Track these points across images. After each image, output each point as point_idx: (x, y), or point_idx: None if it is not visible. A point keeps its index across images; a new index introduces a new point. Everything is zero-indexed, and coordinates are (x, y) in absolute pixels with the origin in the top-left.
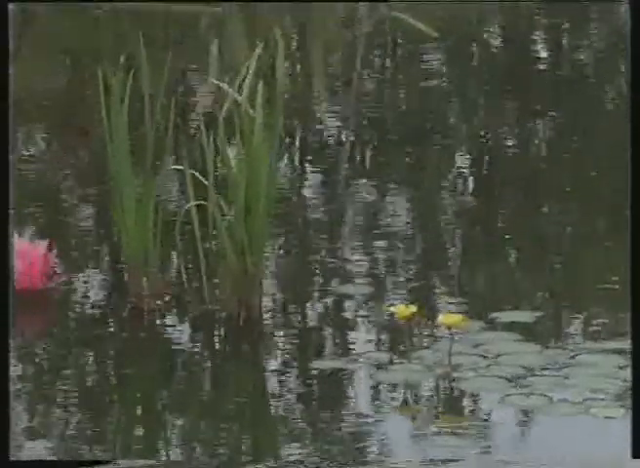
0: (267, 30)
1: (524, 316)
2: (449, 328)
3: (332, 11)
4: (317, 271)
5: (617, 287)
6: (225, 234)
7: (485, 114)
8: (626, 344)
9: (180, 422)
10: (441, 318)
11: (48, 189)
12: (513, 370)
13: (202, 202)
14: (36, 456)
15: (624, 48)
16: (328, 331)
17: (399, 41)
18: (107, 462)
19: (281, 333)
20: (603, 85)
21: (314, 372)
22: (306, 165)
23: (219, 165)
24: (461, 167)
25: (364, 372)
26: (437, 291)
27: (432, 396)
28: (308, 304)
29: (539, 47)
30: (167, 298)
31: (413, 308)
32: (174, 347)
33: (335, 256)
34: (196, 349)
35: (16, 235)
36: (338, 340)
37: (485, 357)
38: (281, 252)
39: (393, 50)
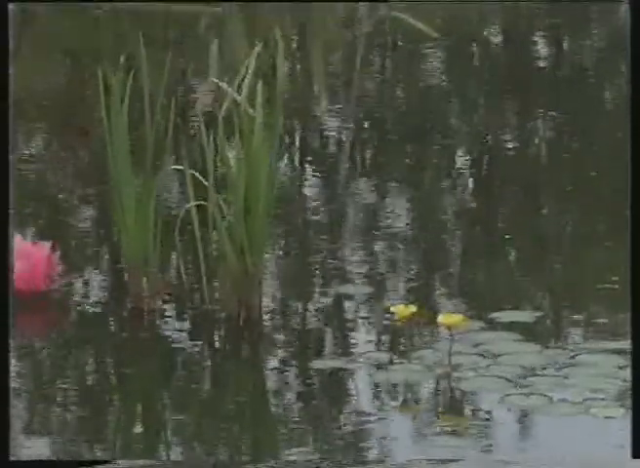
0: (267, 30)
1: (524, 316)
2: (449, 328)
3: (332, 11)
4: (317, 271)
5: (617, 287)
6: (225, 234)
7: (485, 114)
8: (626, 344)
9: (179, 422)
10: (441, 318)
11: (48, 189)
12: (513, 370)
13: (202, 202)
14: (36, 456)
15: (624, 48)
16: (328, 331)
17: (399, 41)
18: (107, 462)
19: (281, 333)
20: (603, 85)
21: (314, 372)
22: (306, 165)
23: (218, 165)
24: (461, 167)
25: (364, 372)
26: (437, 291)
27: (432, 396)
28: (308, 304)
29: (539, 47)
30: (167, 298)
31: (413, 308)
32: (174, 347)
33: (335, 256)
34: (196, 349)
35: (19, 236)
36: (337, 340)
37: (485, 357)
38: (281, 252)
39: (393, 50)
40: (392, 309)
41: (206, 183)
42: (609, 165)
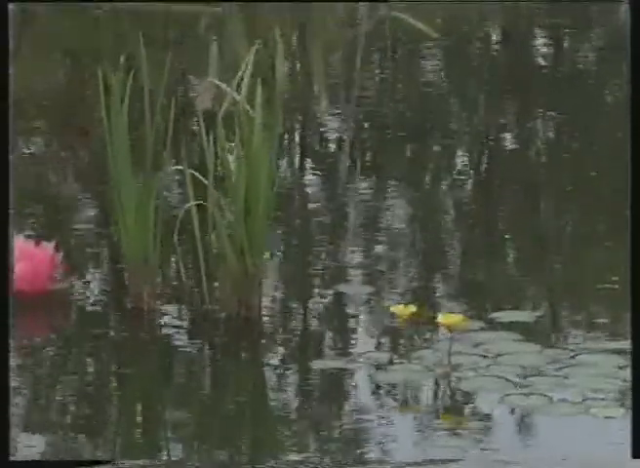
0: (267, 30)
1: (524, 316)
2: (449, 328)
3: (332, 11)
4: (317, 271)
5: (617, 287)
6: (225, 234)
7: (485, 114)
8: (626, 344)
9: (179, 422)
10: (441, 318)
11: (48, 189)
12: (513, 370)
13: (202, 202)
14: (36, 456)
15: (624, 48)
16: (328, 332)
17: (399, 41)
18: (107, 462)
19: (281, 333)
20: (603, 85)
21: (314, 372)
22: (306, 165)
23: (218, 165)
24: (461, 167)
25: (364, 372)
26: (437, 291)
27: (432, 396)
28: (308, 304)
29: (539, 47)
30: (167, 298)
31: (413, 308)
32: (173, 347)
33: (335, 256)
34: (196, 349)
35: (22, 237)
36: (338, 340)
37: (485, 357)
38: (280, 253)
39: (393, 50)
40: (392, 309)
41: (206, 182)
42: (609, 165)
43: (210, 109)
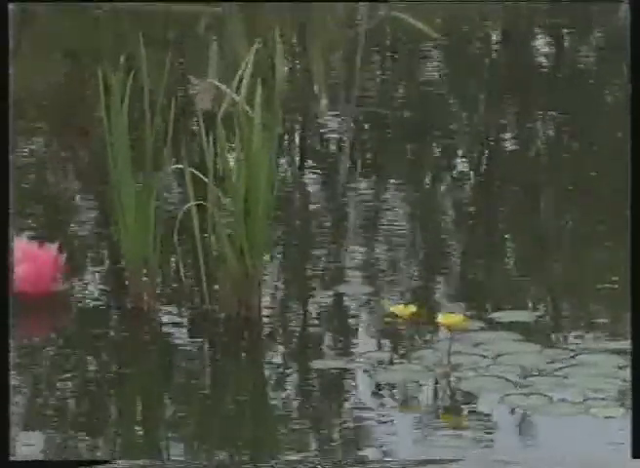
0: (267, 30)
1: (524, 316)
2: (449, 328)
3: (332, 11)
4: (317, 271)
5: (617, 287)
6: (225, 234)
7: (485, 114)
8: (626, 344)
9: (179, 422)
10: (441, 318)
11: (47, 189)
12: (513, 370)
13: (202, 202)
14: (36, 456)
15: (624, 48)
16: (328, 331)
17: (399, 41)
18: (107, 462)
19: (281, 333)
20: (603, 85)
21: (314, 372)
22: (306, 165)
23: (218, 165)
24: (461, 166)
25: (364, 372)
26: (437, 291)
27: (432, 396)
28: (308, 304)
29: (539, 47)
30: (167, 298)
31: (413, 308)
32: (173, 346)
33: (335, 256)
34: (196, 349)
35: (25, 238)
36: (338, 340)
37: (485, 357)
38: (280, 254)
39: (393, 50)
40: (392, 309)
41: (206, 180)
42: (609, 165)
43: (210, 109)
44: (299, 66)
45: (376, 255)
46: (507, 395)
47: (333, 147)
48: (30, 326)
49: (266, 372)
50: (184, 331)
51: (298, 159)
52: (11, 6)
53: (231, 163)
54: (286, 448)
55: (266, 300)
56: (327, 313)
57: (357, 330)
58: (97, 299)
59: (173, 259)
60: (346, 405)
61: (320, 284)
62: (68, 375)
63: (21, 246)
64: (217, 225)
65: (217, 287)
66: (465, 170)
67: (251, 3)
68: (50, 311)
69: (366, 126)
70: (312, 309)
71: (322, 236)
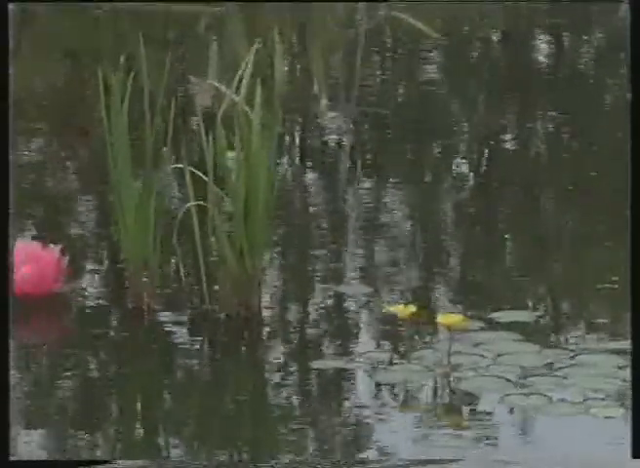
0: (267, 30)
1: (524, 316)
2: (448, 328)
3: (332, 11)
4: (317, 271)
5: (617, 287)
6: (225, 234)
7: (485, 114)
8: (626, 344)
9: (180, 422)
10: (441, 318)
11: (47, 190)
12: (513, 370)
13: (202, 203)
14: (36, 456)
15: (624, 48)
16: (328, 331)
17: (399, 41)
18: (107, 462)
19: (281, 333)
20: (603, 85)
21: (314, 372)
22: (306, 165)
23: (218, 165)
24: (461, 166)
25: (364, 372)
26: (437, 291)
27: (432, 396)
28: (308, 304)
29: (539, 47)
30: (167, 298)
31: (412, 308)
32: (173, 346)
33: (335, 256)
34: (196, 349)
35: (28, 239)
36: (337, 340)
37: (485, 357)
38: (280, 254)
39: (393, 50)
40: (392, 309)
41: (206, 179)
42: (609, 165)
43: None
44: (299, 66)
45: (376, 256)
46: (507, 395)
47: (333, 147)
48: (32, 326)
49: (266, 372)
50: (184, 330)
51: (298, 159)
52: (11, 6)
53: (231, 163)
54: (286, 449)
55: (266, 300)
56: (327, 313)
57: (357, 330)
58: (97, 299)
59: (173, 260)
60: (346, 405)
61: (320, 284)
62: (69, 375)
63: (25, 247)
64: (216, 225)
65: (217, 287)
66: (465, 170)
67: (251, 3)
68: (52, 312)
69: (366, 126)
70: (312, 309)
71: (322, 236)
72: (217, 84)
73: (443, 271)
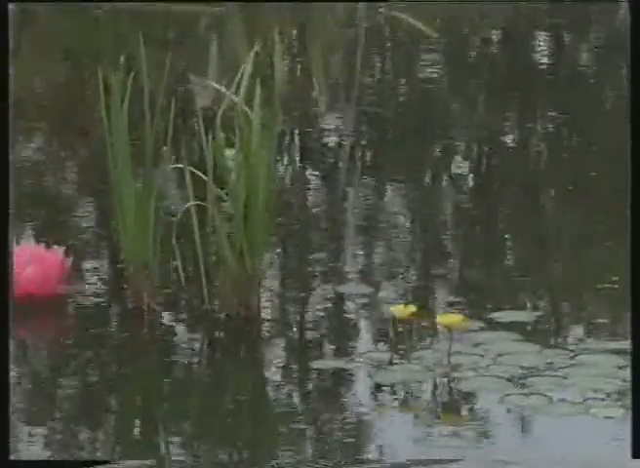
0: (267, 30)
1: (524, 316)
2: (448, 328)
3: (332, 11)
4: (317, 271)
5: (617, 287)
6: (225, 234)
7: (485, 114)
8: (626, 344)
9: (179, 422)
10: (441, 318)
11: (47, 190)
12: (513, 370)
13: (201, 203)
14: (36, 456)
15: (624, 48)
16: (328, 331)
17: (399, 41)
18: (107, 462)
19: (280, 333)
20: (603, 85)
21: (314, 372)
22: (306, 165)
23: (218, 165)
24: (461, 166)
25: (364, 372)
26: (437, 291)
27: (432, 396)
28: (308, 304)
29: (539, 47)
30: (167, 298)
31: (412, 308)
32: (173, 346)
33: (335, 256)
34: (196, 349)
35: (32, 241)
36: (337, 340)
37: (485, 357)
38: (279, 254)
39: (393, 50)
40: (392, 309)
41: (205, 178)
42: (609, 165)
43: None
44: (299, 66)
45: (376, 256)
46: (507, 395)
47: (333, 147)
48: (36, 327)
49: (266, 372)
50: (184, 330)
51: (297, 159)
52: (11, 6)
53: (231, 163)
54: (286, 448)
55: (266, 300)
56: (327, 313)
57: (357, 330)
58: (96, 299)
59: (173, 260)
60: (346, 405)
61: (320, 283)
62: (69, 375)
63: (29, 248)
64: (216, 225)
65: (216, 281)
66: (465, 169)
67: (251, 3)
68: (55, 312)
69: (366, 126)
70: (312, 309)
71: (322, 236)
72: (217, 85)
73: (443, 271)
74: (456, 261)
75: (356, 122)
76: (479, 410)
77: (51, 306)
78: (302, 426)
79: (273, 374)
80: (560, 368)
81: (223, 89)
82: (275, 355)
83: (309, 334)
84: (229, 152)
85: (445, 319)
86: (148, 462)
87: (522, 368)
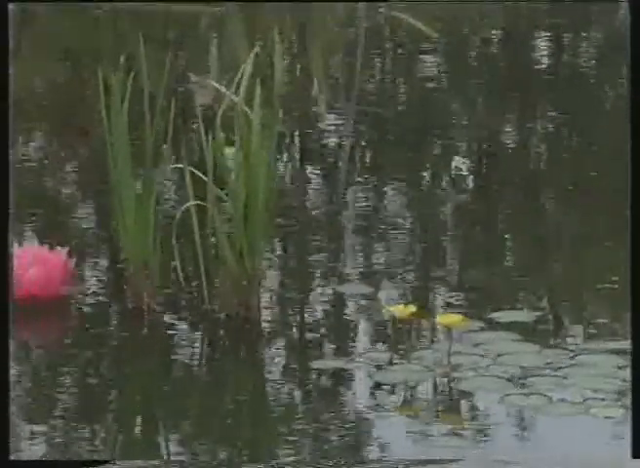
0: (267, 30)
1: (524, 316)
2: (448, 328)
3: (332, 11)
4: (316, 271)
5: (617, 287)
6: (224, 235)
7: (485, 114)
8: (626, 344)
9: (179, 422)
10: (440, 318)
11: (47, 190)
12: (513, 370)
13: (201, 202)
14: (36, 456)
15: (624, 48)
16: (328, 331)
17: (399, 41)
18: (107, 462)
19: (280, 333)
20: (603, 85)
21: (314, 372)
22: (306, 165)
23: (218, 165)
24: (461, 166)
25: (364, 372)
26: (437, 291)
27: (432, 396)
28: (308, 304)
29: (539, 47)
30: (167, 298)
31: (412, 308)
32: (173, 346)
33: (334, 256)
34: (195, 349)
35: (35, 242)
36: (337, 340)
37: (485, 357)
38: (279, 253)
39: (393, 50)
40: (392, 309)
41: (205, 179)
42: (609, 165)
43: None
44: (299, 66)
45: (375, 256)
46: (507, 395)
47: (332, 147)
48: (39, 328)
49: (266, 372)
50: (184, 330)
51: (297, 159)
52: (11, 6)
53: (230, 163)
54: (286, 448)
55: (266, 300)
56: (326, 313)
57: (357, 330)
58: (96, 299)
59: (173, 260)
60: (346, 404)
61: (320, 283)
62: (69, 375)
63: (32, 249)
64: (216, 225)
65: (217, 287)
66: (465, 169)
67: (251, 3)
68: (58, 313)
69: (366, 126)
70: (312, 309)
71: (322, 236)
72: (217, 85)
73: (443, 271)
74: (455, 261)
75: (356, 122)
76: (479, 410)
77: (54, 308)
78: (302, 426)
79: (273, 374)
80: (560, 368)
81: (223, 89)
82: (275, 355)
83: (309, 335)
84: (229, 152)
85: (445, 319)
86: (148, 462)
87: (522, 368)
